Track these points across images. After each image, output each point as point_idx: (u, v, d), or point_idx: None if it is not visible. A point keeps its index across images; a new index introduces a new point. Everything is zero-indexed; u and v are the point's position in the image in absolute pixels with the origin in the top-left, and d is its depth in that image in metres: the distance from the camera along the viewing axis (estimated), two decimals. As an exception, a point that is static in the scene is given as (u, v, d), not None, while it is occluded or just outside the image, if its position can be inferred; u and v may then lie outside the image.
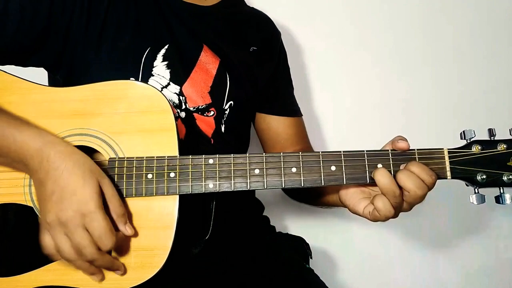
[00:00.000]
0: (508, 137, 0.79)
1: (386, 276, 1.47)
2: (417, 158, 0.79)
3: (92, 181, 0.73)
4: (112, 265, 0.76)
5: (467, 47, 1.50)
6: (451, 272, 1.49)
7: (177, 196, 0.80)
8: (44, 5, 0.89)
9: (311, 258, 1.06)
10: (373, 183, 0.79)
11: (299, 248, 1.06)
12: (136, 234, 0.79)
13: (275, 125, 1.14)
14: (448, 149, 0.79)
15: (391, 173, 0.78)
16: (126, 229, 0.76)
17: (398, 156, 0.79)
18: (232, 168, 0.80)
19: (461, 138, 0.81)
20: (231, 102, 1.01)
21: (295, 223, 1.43)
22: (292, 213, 1.43)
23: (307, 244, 1.08)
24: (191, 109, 0.97)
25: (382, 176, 0.76)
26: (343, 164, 0.79)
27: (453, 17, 1.50)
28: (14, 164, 0.78)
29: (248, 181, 0.80)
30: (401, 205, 0.78)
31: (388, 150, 0.80)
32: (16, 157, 0.75)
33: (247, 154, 0.81)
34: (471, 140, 0.79)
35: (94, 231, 0.71)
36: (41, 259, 0.79)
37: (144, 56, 0.95)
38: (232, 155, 0.81)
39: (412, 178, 0.76)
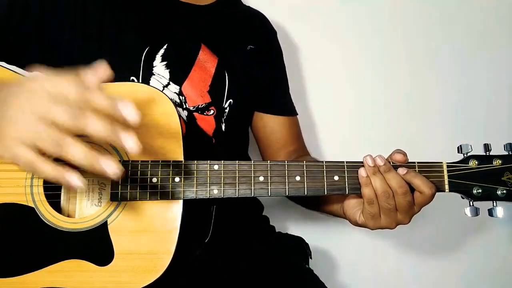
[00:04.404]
0: (503, 152, 0.83)
1: (385, 277, 1.50)
2: (417, 171, 0.82)
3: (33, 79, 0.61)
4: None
5: (466, 60, 1.52)
6: (451, 275, 1.53)
7: (181, 201, 0.81)
8: (35, 2, 0.90)
9: (311, 258, 1.08)
10: None
11: (299, 248, 1.08)
12: (139, 238, 0.80)
13: (271, 124, 1.15)
14: (447, 163, 0.82)
15: None
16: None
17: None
18: (237, 175, 0.81)
19: (458, 152, 0.84)
20: (231, 100, 1.02)
21: (295, 223, 1.44)
22: (292, 213, 1.43)
23: (307, 244, 1.10)
24: (191, 108, 0.97)
25: (379, 179, 0.79)
26: (346, 174, 0.82)
27: (454, 23, 1.52)
28: None
29: (253, 188, 0.81)
30: (393, 209, 0.80)
31: (389, 162, 0.82)
32: None
33: (252, 162, 0.82)
34: (468, 154, 0.83)
35: (54, 86, 0.58)
36: (43, 260, 0.80)
37: (143, 56, 0.95)
38: (237, 161, 0.82)
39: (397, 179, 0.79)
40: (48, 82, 0.59)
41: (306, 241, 1.11)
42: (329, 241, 1.46)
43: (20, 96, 0.60)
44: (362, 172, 0.80)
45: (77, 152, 0.57)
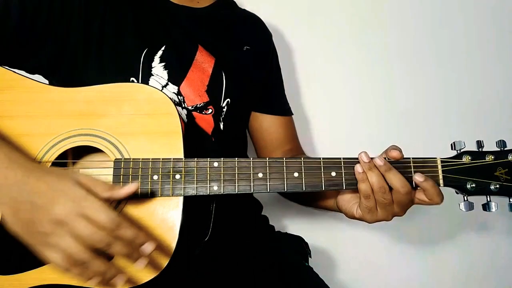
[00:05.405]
0: (495, 148, 0.85)
1: (384, 276, 1.51)
2: (412, 166, 0.84)
3: (67, 176, 0.71)
4: (133, 252, 0.71)
5: (459, 59, 1.55)
6: (450, 272, 1.54)
7: (182, 198, 0.82)
8: (44, 6, 0.92)
9: (310, 257, 1.09)
10: None
11: (298, 247, 1.09)
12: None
13: (267, 124, 1.18)
14: (441, 158, 0.84)
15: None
16: (122, 189, 0.72)
17: (394, 164, 0.83)
18: (236, 172, 0.83)
19: (452, 149, 0.86)
20: (228, 99, 1.03)
21: (294, 223, 1.45)
22: (291, 212, 1.45)
23: (306, 243, 1.11)
24: (190, 108, 0.99)
25: (375, 174, 0.81)
26: (343, 170, 0.83)
27: (449, 24, 1.55)
28: None
29: (252, 184, 0.83)
30: (389, 203, 0.83)
31: (385, 158, 0.84)
32: None
33: (251, 158, 0.84)
34: (461, 150, 0.85)
35: (95, 211, 0.67)
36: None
37: (142, 57, 0.97)
38: (236, 158, 0.83)
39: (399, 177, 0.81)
40: (85, 202, 0.68)
41: (306, 240, 1.13)
42: (328, 240, 1.47)
43: (61, 199, 0.68)
44: (358, 168, 0.82)
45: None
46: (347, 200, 0.90)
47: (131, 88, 0.86)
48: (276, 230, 1.15)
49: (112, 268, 0.70)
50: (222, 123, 1.03)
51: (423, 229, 1.52)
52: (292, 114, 1.23)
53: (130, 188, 0.73)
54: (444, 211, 1.46)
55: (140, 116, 0.84)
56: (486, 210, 0.84)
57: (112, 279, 0.71)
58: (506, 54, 1.58)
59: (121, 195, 0.72)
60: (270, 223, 1.16)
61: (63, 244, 0.67)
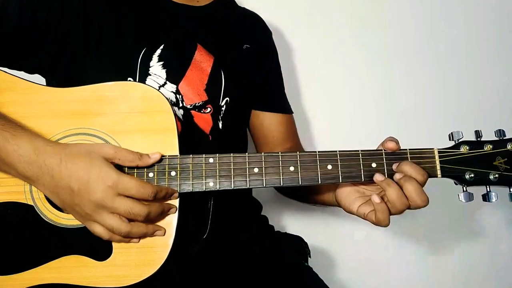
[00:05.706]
0: (494, 138, 0.84)
1: (383, 275, 1.50)
2: (409, 158, 0.83)
3: (96, 156, 0.76)
4: (164, 207, 0.80)
5: (455, 51, 1.55)
6: (450, 271, 1.53)
7: (177, 194, 0.82)
8: (43, 6, 0.92)
9: (310, 257, 1.08)
10: (368, 181, 0.83)
11: (298, 247, 1.08)
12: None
13: (267, 122, 1.17)
14: (438, 149, 0.83)
15: (384, 172, 0.82)
16: (150, 158, 0.80)
17: (391, 156, 0.83)
18: (232, 167, 0.82)
19: (450, 139, 0.85)
20: (227, 98, 1.03)
21: (293, 223, 1.45)
22: (290, 212, 1.44)
23: (306, 243, 1.10)
24: (188, 106, 0.99)
25: (394, 190, 0.80)
26: (339, 163, 0.83)
27: (447, 20, 1.55)
28: (4, 168, 0.79)
29: (248, 179, 0.82)
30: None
31: (381, 150, 0.84)
32: (9, 165, 0.77)
33: (246, 154, 0.83)
34: (459, 141, 0.83)
35: (130, 190, 0.74)
36: (43, 257, 0.81)
37: (140, 57, 0.97)
38: (231, 154, 0.83)
39: (418, 189, 0.79)
40: (121, 185, 0.74)
41: (305, 240, 1.11)
42: (328, 240, 1.46)
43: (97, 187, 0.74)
44: (375, 198, 0.81)
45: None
46: (346, 194, 0.89)
47: (126, 87, 0.86)
48: (276, 230, 1.14)
49: (149, 227, 0.79)
50: (220, 122, 1.02)
51: (423, 228, 1.51)
52: (292, 112, 1.22)
53: (156, 157, 0.80)
54: (444, 207, 1.45)
55: (135, 114, 0.84)
56: (486, 201, 0.82)
57: (152, 234, 0.80)
58: (506, 54, 1.57)
59: (149, 163, 0.80)
60: (270, 223, 1.15)
61: (105, 222, 0.75)
